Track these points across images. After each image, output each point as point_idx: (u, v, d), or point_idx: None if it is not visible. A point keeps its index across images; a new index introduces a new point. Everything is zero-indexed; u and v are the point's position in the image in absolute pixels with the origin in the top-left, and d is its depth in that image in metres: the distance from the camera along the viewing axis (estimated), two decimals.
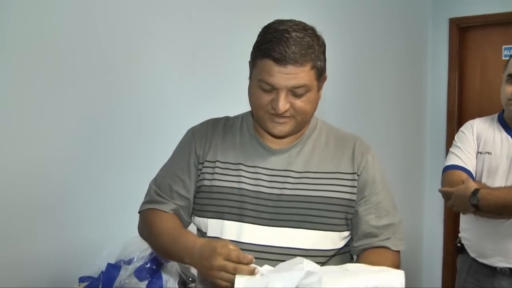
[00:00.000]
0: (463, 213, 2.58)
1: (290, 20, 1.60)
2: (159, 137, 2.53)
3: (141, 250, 2.31)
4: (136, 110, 2.48)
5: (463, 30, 4.42)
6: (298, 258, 1.46)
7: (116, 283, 2.21)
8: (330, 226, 1.63)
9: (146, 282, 2.21)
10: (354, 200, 1.66)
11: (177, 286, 2.27)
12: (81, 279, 2.25)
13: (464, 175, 2.50)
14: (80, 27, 2.26)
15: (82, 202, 2.31)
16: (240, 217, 1.63)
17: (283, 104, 1.56)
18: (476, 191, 2.34)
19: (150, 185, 1.80)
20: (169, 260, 2.26)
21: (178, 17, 2.64)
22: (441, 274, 4.49)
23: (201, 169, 1.72)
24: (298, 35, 1.54)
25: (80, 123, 2.28)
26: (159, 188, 1.76)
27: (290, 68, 1.53)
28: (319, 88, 1.64)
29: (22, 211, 2.13)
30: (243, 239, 1.62)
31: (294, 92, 1.56)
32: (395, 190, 2.97)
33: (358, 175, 1.67)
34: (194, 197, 1.73)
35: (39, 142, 2.17)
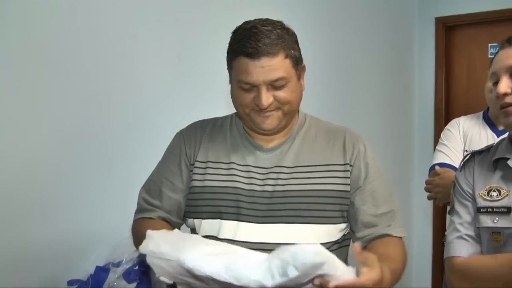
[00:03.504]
0: (439, 202, 2.54)
1: (257, 19, 1.63)
2: (147, 139, 2.53)
3: (129, 253, 2.30)
4: (123, 113, 2.47)
5: (449, 29, 4.45)
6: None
7: (105, 286, 2.20)
8: (325, 219, 1.63)
9: (134, 285, 2.20)
10: (348, 191, 1.66)
11: None
12: (70, 282, 2.23)
13: (451, 172, 2.49)
14: (65, 30, 2.25)
15: (71, 204, 2.29)
16: (237, 216, 1.64)
17: (265, 99, 1.57)
18: None
19: (139, 192, 1.81)
20: None
21: (164, 19, 2.64)
22: (431, 273, 4.51)
23: (192, 170, 1.73)
24: (267, 29, 1.57)
25: (65, 126, 2.27)
26: (149, 193, 1.77)
27: (264, 60, 1.54)
28: (299, 77, 1.65)
29: (9, 213, 2.11)
30: (238, 238, 1.62)
31: (273, 85, 1.57)
32: None
33: (350, 165, 1.67)
34: (187, 199, 1.73)
35: (27, 144, 2.15)
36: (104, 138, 2.40)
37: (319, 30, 3.46)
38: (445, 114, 4.44)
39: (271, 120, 1.63)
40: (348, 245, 1.75)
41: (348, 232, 1.73)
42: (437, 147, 2.69)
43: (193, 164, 1.73)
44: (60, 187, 2.25)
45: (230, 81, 1.67)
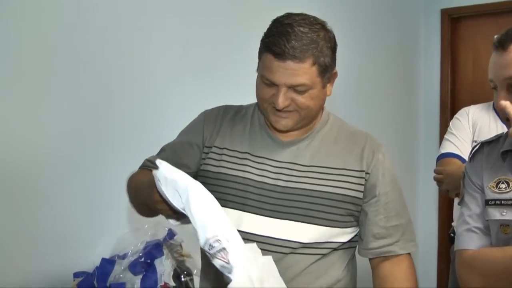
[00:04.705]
0: (452, 194, 2.52)
1: (300, 14, 1.59)
2: (152, 130, 2.53)
3: (135, 245, 2.31)
4: (128, 105, 2.47)
5: (455, 21, 4.42)
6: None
7: (111, 278, 2.21)
8: (332, 222, 1.62)
9: (140, 276, 2.21)
10: (360, 198, 1.64)
11: (172, 280, 2.27)
12: (76, 275, 2.24)
13: (459, 163, 2.47)
14: (70, 24, 2.26)
15: (76, 197, 2.30)
16: (242, 206, 1.63)
17: (282, 101, 1.55)
18: None
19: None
20: (163, 254, 2.26)
21: (169, 11, 2.63)
22: (436, 264, 4.51)
23: (207, 153, 1.72)
24: (302, 30, 1.52)
25: (70, 120, 2.28)
26: (153, 158, 1.76)
27: (289, 64, 1.51)
28: (325, 84, 1.61)
29: (15, 206, 2.12)
30: (243, 228, 1.61)
31: (294, 89, 1.54)
32: None
33: (367, 173, 1.64)
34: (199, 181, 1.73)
35: (33, 139, 2.16)
36: (109, 130, 2.40)
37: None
38: (450, 106, 4.40)
39: (286, 122, 1.61)
40: (354, 247, 1.74)
41: (356, 235, 1.71)
42: (445, 136, 2.63)
43: (209, 147, 1.72)
44: (66, 179, 2.26)
45: (257, 70, 1.64)
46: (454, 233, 2.64)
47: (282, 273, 1.54)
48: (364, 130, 1.76)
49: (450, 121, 3.91)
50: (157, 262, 2.27)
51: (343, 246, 1.68)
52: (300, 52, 1.50)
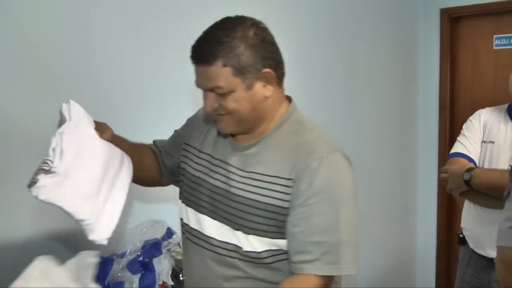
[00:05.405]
0: (455, 194, 2.52)
1: (231, 17, 1.56)
2: (148, 130, 2.52)
3: (133, 244, 2.31)
4: (125, 104, 2.47)
5: (454, 20, 4.42)
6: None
7: (109, 277, 2.21)
8: (259, 232, 1.56)
9: (139, 275, 2.21)
10: (287, 208, 1.53)
11: (170, 279, 2.27)
12: None
13: (464, 162, 2.50)
14: (68, 21, 2.26)
15: None
16: (197, 207, 1.69)
17: (207, 104, 1.56)
18: (470, 169, 2.36)
19: None
20: (162, 253, 2.26)
21: (167, 9, 2.63)
22: (435, 265, 4.50)
23: (186, 150, 1.79)
24: (215, 33, 1.51)
25: None
26: None
27: (201, 67, 1.52)
28: (251, 85, 1.52)
29: (13, 205, 2.12)
30: (199, 228, 1.68)
31: (215, 92, 1.52)
32: (387, 182, 2.92)
33: (294, 181, 1.52)
34: (180, 180, 1.81)
35: (32, 137, 2.16)
36: None
37: (324, 21, 3.44)
38: (449, 106, 4.39)
39: (225, 125, 1.59)
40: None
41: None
42: (458, 137, 2.68)
43: (188, 145, 1.80)
44: None
45: None
46: (463, 234, 2.68)
47: (221, 275, 1.60)
48: (324, 139, 1.61)
49: (449, 120, 3.94)
50: (155, 261, 2.27)
51: (278, 259, 1.59)
52: (207, 55, 1.49)
